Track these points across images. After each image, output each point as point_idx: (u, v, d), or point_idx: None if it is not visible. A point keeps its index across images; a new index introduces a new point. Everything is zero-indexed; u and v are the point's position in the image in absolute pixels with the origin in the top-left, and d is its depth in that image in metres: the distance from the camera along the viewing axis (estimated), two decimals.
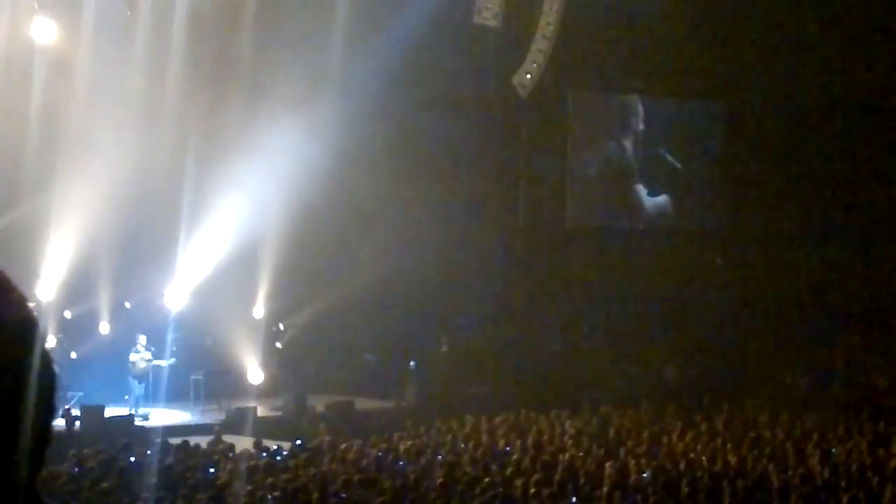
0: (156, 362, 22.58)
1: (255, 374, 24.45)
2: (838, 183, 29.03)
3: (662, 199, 30.27)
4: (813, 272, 28.49)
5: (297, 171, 24.08)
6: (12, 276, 1.75)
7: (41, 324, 1.73)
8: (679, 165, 30.15)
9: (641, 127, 30.06)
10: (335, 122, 25.21)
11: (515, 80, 27.98)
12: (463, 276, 27.91)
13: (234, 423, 20.67)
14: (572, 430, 18.44)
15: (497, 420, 19.76)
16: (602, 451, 16.29)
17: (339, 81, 26.78)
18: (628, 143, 30.13)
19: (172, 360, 22.93)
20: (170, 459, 15.06)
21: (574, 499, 12.26)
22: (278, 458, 15.98)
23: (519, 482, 13.15)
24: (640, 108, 30.06)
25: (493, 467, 14.63)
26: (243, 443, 17.51)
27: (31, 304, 1.74)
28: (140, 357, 22.38)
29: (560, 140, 29.83)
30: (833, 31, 28.16)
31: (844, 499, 12.32)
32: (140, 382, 22.33)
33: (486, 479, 13.38)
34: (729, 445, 16.84)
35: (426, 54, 26.69)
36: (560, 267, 29.26)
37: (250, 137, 24.61)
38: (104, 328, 24.34)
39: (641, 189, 30.19)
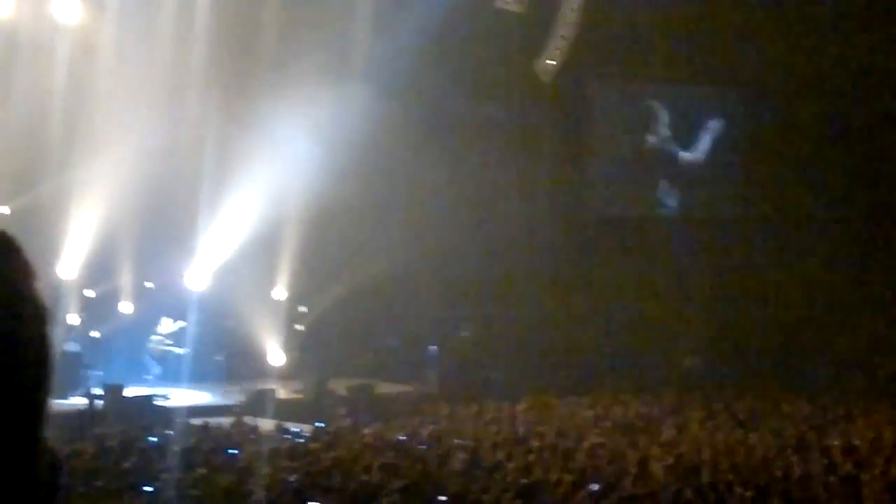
0: (171, 348, 22.63)
1: (276, 356, 24.46)
2: (858, 168, 28.76)
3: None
4: (834, 259, 28.26)
5: (320, 153, 24.05)
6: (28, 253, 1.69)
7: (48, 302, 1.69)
8: (697, 156, 30.01)
9: (663, 118, 29.85)
10: (359, 103, 25.12)
11: (538, 65, 27.84)
12: (485, 261, 27.83)
13: (255, 404, 20.69)
14: (594, 418, 18.38)
15: (518, 406, 19.71)
16: (623, 439, 16.23)
17: (364, 63, 26.72)
18: (651, 132, 29.94)
19: (185, 350, 22.93)
20: (191, 440, 15.08)
21: (595, 486, 12.17)
22: (299, 440, 15.98)
23: (540, 468, 13.10)
24: (662, 108, 29.85)
25: (514, 453, 14.57)
26: (263, 425, 17.53)
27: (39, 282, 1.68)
28: (159, 339, 22.45)
29: (583, 127, 29.68)
30: (859, 18, 27.89)
31: (867, 489, 12.21)
32: (159, 363, 22.37)
33: (507, 465, 13.33)
34: (750, 435, 16.75)
35: (451, 37, 26.56)
36: (583, 255, 29.15)
37: (274, 118, 24.55)
38: (126, 308, 24.42)
39: (665, 176, 30.07)
